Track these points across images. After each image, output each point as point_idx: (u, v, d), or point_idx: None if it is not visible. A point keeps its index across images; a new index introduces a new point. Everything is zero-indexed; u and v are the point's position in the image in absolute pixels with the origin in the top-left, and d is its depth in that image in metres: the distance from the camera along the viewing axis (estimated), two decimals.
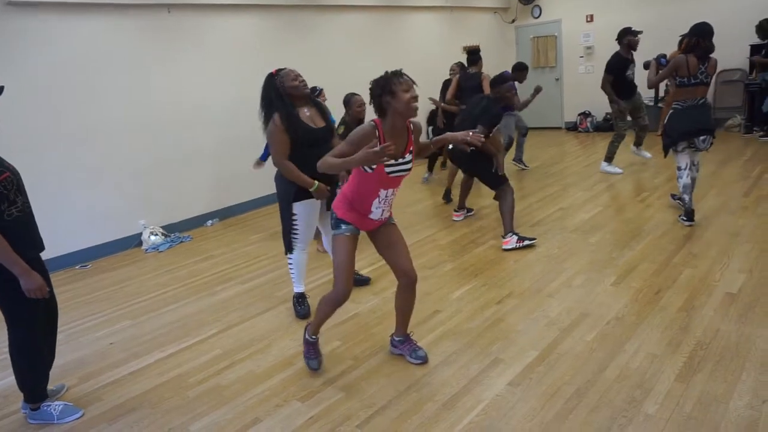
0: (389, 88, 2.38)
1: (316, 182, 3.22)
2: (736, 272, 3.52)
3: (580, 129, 10.00)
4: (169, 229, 5.89)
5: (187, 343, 3.38)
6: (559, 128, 10.44)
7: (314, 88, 5.17)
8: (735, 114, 8.43)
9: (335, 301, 2.64)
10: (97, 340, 3.56)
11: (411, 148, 2.56)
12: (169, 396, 2.81)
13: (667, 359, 2.64)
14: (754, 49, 7.94)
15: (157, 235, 5.68)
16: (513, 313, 3.31)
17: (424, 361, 2.85)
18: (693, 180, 4.50)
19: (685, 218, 4.48)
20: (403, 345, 2.91)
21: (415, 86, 2.43)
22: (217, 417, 2.58)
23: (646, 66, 5.42)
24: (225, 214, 6.50)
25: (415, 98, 2.42)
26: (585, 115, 9.98)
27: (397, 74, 2.42)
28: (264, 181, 6.82)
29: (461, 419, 2.37)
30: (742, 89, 8.25)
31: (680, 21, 8.24)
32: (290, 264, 3.56)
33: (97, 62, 5.32)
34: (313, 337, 2.85)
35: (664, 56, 4.82)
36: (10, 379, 3.14)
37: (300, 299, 3.62)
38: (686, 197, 4.46)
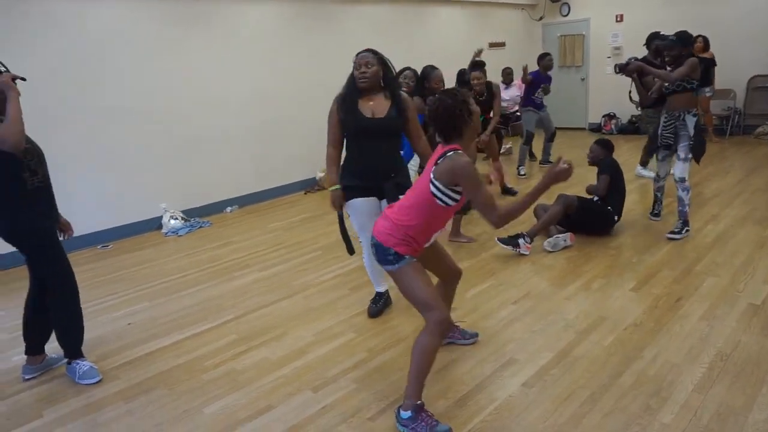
0: (468, 109, 2.22)
1: (337, 186, 3.06)
2: (760, 283, 3.44)
3: (604, 131, 9.85)
4: (188, 214, 5.96)
5: (204, 327, 3.42)
6: (583, 129, 10.30)
7: None
8: (766, 121, 8.22)
9: (439, 331, 2.23)
10: (116, 320, 3.62)
11: None
12: (184, 378, 2.85)
13: (686, 368, 2.60)
14: None
15: (177, 219, 5.74)
16: (529, 314, 3.28)
17: (476, 339, 2.94)
18: None
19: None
20: (452, 333, 2.94)
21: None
22: (230, 401, 2.61)
23: (621, 69, 4.50)
24: (244, 201, 6.55)
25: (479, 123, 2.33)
26: (610, 116, 9.83)
27: (467, 101, 2.22)
28: (284, 170, 6.89)
29: (473, 417, 2.36)
30: None
31: (713, 21, 8.11)
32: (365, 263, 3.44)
33: (119, 46, 5.37)
34: (418, 401, 2.28)
35: (637, 58, 4.75)
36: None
37: (375, 297, 3.45)
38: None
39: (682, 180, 4.30)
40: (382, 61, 3.06)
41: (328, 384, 2.69)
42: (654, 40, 5.95)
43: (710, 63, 7.61)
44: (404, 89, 3.79)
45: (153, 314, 3.67)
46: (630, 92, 5.45)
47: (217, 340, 3.24)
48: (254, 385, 2.74)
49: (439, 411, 2.41)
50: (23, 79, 2.65)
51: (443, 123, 2.22)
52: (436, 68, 4.15)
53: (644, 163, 6.47)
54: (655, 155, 4.70)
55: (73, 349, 2.92)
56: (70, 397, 2.74)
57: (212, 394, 2.69)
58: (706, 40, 7.63)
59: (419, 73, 4.16)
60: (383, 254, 2.27)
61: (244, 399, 2.62)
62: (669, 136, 4.36)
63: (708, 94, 7.81)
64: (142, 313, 3.71)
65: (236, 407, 2.56)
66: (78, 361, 2.91)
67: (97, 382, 2.84)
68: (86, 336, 3.37)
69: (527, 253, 4.23)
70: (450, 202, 2.22)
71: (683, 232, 4.36)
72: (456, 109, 2.19)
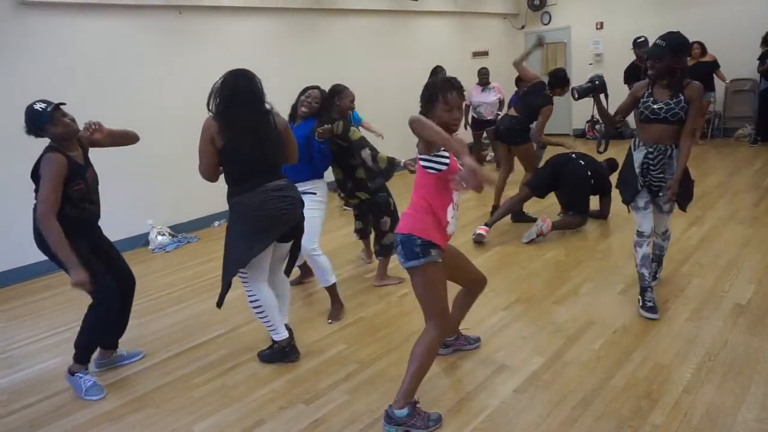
0: (443, 95, 2.25)
1: None
2: (745, 283, 3.49)
3: (588, 136, 9.98)
4: (176, 230, 5.91)
5: (193, 344, 3.38)
6: (568, 135, 10.41)
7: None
8: (745, 124, 8.38)
9: (441, 339, 2.37)
10: None
11: None
12: (173, 396, 2.82)
13: (675, 370, 2.62)
14: None
15: (164, 235, 5.70)
16: (519, 319, 3.29)
17: (478, 344, 3.01)
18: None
19: None
20: (457, 341, 2.98)
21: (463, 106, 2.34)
22: (221, 418, 2.58)
23: (581, 94, 3.35)
24: None
25: (457, 120, 2.29)
26: (593, 122, 9.95)
27: (453, 85, 2.26)
28: None
29: (466, 425, 2.36)
30: (752, 99, 8.20)
31: (693, 28, 8.24)
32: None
33: (107, 62, 5.36)
34: (413, 399, 2.35)
35: (601, 77, 3.45)
36: (15, 376, 3.17)
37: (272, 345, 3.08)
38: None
39: (665, 231, 3.38)
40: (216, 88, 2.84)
41: (319, 397, 2.67)
42: (633, 46, 5.83)
43: (714, 66, 7.67)
44: (303, 109, 3.48)
45: (141, 332, 3.62)
46: (595, 120, 4.42)
47: (206, 356, 3.21)
48: (245, 400, 2.71)
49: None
50: (63, 104, 2.87)
51: (422, 97, 2.33)
52: (347, 87, 3.75)
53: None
54: (628, 204, 3.34)
55: (78, 355, 2.91)
56: (55, 420, 2.68)
57: (202, 411, 2.65)
58: (702, 45, 7.72)
59: (330, 90, 3.69)
60: (410, 246, 2.25)
61: (235, 415, 2.59)
62: (661, 177, 3.13)
63: (711, 99, 7.87)
64: (129, 331, 3.62)
65: (227, 424, 2.53)
66: (80, 373, 2.89)
67: (101, 398, 2.84)
68: None
69: (483, 234, 4.69)
70: (439, 167, 2.24)
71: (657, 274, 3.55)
72: (431, 87, 2.31)
